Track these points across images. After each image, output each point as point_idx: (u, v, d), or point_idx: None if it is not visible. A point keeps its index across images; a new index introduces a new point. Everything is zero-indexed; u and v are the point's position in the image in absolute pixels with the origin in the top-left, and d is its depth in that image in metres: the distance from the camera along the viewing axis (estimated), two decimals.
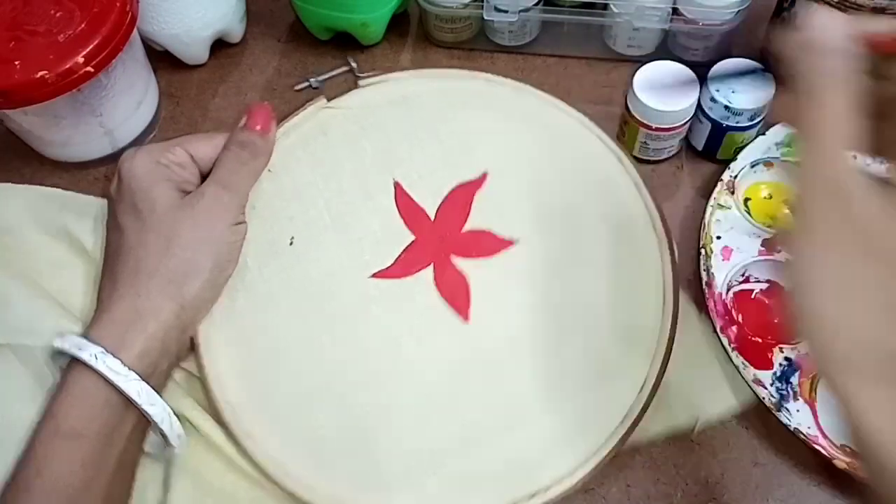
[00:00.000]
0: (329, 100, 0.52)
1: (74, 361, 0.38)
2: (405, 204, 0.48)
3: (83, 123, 0.49)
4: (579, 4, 0.56)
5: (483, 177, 0.49)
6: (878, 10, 0.47)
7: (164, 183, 0.43)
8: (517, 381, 0.43)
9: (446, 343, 0.44)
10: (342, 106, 0.52)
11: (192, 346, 0.44)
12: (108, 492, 0.38)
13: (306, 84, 0.57)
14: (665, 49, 0.58)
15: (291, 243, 0.47)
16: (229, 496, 0.41)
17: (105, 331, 0.39)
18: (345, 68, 0.57)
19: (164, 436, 0.39)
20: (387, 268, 0.46)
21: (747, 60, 0.50)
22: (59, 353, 0.39)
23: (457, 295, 0.45)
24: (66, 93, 0.44)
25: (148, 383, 0.38)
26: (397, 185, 0.49)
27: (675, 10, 0.53)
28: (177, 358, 0.43)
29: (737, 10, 0.52)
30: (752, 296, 0.47)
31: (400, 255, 0.46)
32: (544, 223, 0.47)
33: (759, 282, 0.47)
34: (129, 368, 0.38)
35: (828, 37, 0.29)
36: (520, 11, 0.55)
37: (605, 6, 0.54)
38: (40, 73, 0.43)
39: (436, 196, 0.48)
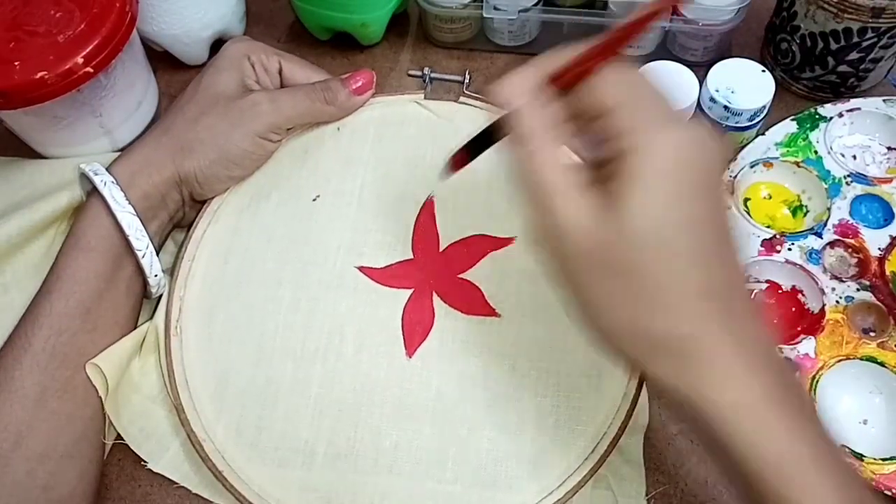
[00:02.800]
0: (426, 98, 0.52)
1: (94, 187, 0.43)
2: (425, 222, 0.47)
3: (83, 124, 0.49)
4: (579, 4, 0.56)
5: (510, 241, 0.46)
6: (878, 11, 0.47)
7: (235, 73, 0.47)
8: (433, 435, 0.42)
9: (380, 364, 0.43)
10: (431, 109, 0.51)
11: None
12: (116, 313, 0.43)
13: (420, 74, 0.56)
14: (665, 49, 0.58)
15: (315, 200, 0.48)
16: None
17: (121, 167, 0.44)
18: (460, 78, 0.56)
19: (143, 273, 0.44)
20: (375, 268, 0.46)
21: (745, 61, 0.50)
22: (83, 177, 0.44)
23: (415, 331, 0.44)
24: (66, 93, 0.44)
25: (142, 221, 0.43)
26: (430, 201, 0.48)
27: (674, 10, 0.53)
28: (170, 218, 0.47)
29: (737, 10, 0.52)
30: (752, 296, 0.47)
31: (392, 265, 0.46)
32: (537, 310, 0.44)
33: (758, 282, 0.47)
34: (129, 202, 0.43)
35: (515, 98, 0.33)
36: (519, 11, 0.55)
37: (605, 6, 0.54)
38: (40, 74, 0.43)
39: (457, 230, 0.47)
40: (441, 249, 0.46)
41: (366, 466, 0.41)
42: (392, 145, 0.50)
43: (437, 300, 0.45)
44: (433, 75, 0.56)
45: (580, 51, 0.33)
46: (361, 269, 0.46)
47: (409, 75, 0.58)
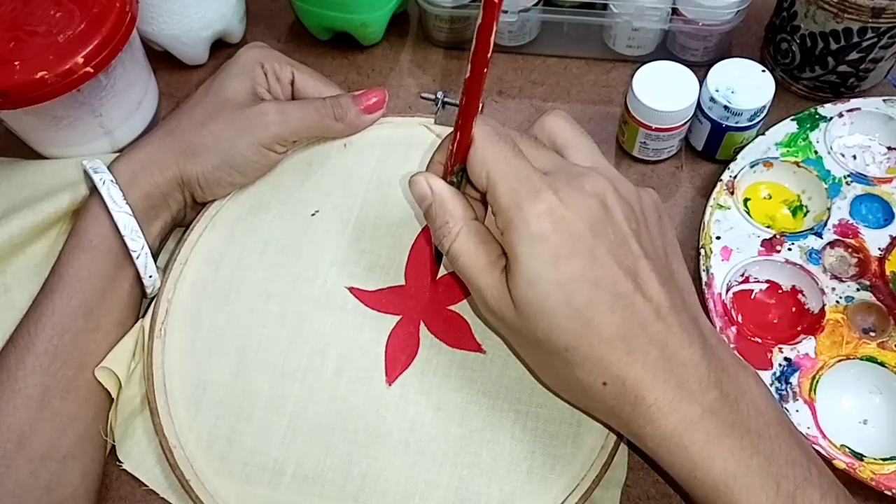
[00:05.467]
0: (436, 122, 0.51)
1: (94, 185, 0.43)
2: (421, 249, 0.46)
3: (83, 124, 0.49)
4: (579, 4, 0.56)
5: None
6: (878, 11, 0.47)
7: (246, 80, 0.47)
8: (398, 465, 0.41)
9: (359, 389, 0.43)
10: (439, 135, 0.50)
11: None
12: (119, 312, 0.43)
13: (433, 97, 0.54)
14: (664, 49, 0.58)
15: (313, 215, 0.48)
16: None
17: (123, 165, 0.44)
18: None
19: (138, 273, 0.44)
20: (365, 290, 0.45)
21: (745, 61, 0.50)
22: (86, 173, 0.44)
23: (398, 358, 0.43)
24: (66, 93, 0.44)
25: (139, 222, 0.43)
26: (427, 229, 0.46)
27: (674, 10, 0.53)
28: (173, 219, 0.47)
29: (736, 10, 0.52)
30: (752, 296, 0.47)
31: (382, 289, 0.45)
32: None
33: (758, 282, 0.47)
34: (127, 203, 0.43)
35: (426, 193, 0.37)
36: (519, 11, 0.55)
37: (605, 6, 0.54)
38: (40, 74, 0.43)
39: None
40: (436, 278, 0.45)
41: (332, 492, 0.40)
42: (396, 167, 0.49)
43: (423, 330, 0.44)
44: (446, 100, 0.54)
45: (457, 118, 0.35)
46: (351, 289, 0.45)
47: (423, 97, 0.57)
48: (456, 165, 0.36)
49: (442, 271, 0.45)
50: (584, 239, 0.33)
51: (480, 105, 0.34)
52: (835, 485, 0.33)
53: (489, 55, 0.31)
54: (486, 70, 0.32)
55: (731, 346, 0.44)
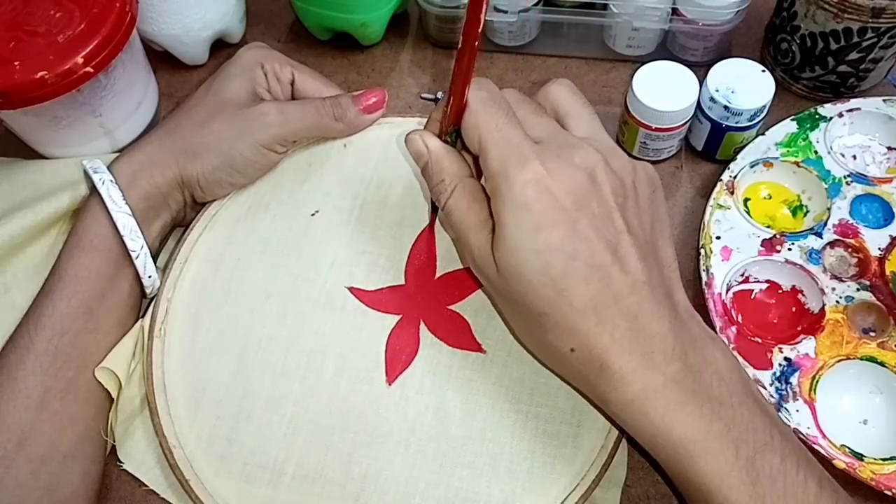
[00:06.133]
0: None
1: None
2: (420, 249, 0.46)
3: (83, 124, 0.49)
4: (579, 4, 0.56)
5: None
6: (878, 11, 0.47)
7: (246, 80, 0.47)
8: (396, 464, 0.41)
9: (359, 389, 0.43)
10: None
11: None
12: (119, 313, 0.43)
13: (432, 98, 0.54)
14: (664, 49, 0.58)
15: (313, 215, 0.48)
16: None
17: (123, 166, 0.44)
18: None
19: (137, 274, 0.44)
20: (365, 290, 0.45)
21: (745, 61, 0.50)
22: (86, 173, 0.44)
23: (399, 358, 0.43)
24: (66, 93, 0.44)
25: (138, 222, 0.43)
26: (427, 229, 0.47)
27: (674, 10, 0.53)
28: (173, 219, 0.47)
29: (736, 10, 0.52)
30: (752, 296, 0.47)
31: (382, 289, 0.45)
32: (523, 350, 0.42)
33: (758, 282, 0.47)
34: (126, 203, 0.43)
35: (422, 150, 0.38)
36: (519, 11, 0.55)
37: (605, 6, 0.54)
38: (40, 74, 0.43)
39: (455, 261, 0.45)
40: (436, 277, 0.45)
41: (332, 492, 0.40)
42: (396, 167, 0.49)
43: (423, 329, 0.44)
44: None
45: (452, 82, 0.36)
46: (352, 289, 0.45)
47: (423, 98, 0.57)
48: (450, 127, 0.37)
49: (441, 271, 0.46)
50: (566, 210, 0.34)
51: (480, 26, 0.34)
52: (797, 450, 0.34)
53: (480, 29, 0.32)
54: (476, 43, 0.33)
55: (731, 346, 0.44)
